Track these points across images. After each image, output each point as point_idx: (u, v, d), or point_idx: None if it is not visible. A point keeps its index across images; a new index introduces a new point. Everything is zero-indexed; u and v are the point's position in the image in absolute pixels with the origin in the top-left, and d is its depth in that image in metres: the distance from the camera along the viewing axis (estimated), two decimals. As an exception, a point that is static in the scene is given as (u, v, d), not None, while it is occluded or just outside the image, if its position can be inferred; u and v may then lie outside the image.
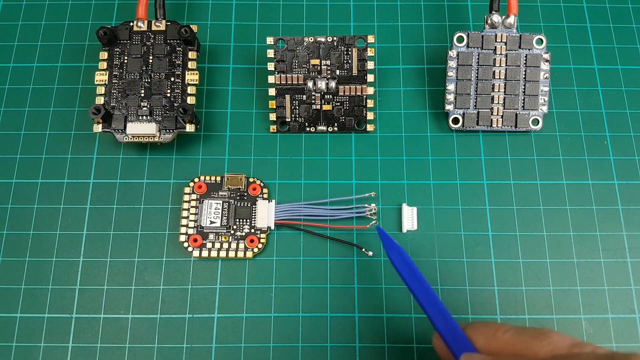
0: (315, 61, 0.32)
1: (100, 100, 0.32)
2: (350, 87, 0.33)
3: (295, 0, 0.37)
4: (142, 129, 0.31)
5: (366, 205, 0.31)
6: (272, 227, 0.31)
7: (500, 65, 0.33)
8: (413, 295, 0.24)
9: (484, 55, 0.33)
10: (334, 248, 0.31)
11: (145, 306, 0.30)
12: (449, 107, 0.33)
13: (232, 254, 0.31)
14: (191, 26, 0.32)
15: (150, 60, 0.32)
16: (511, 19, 0.32)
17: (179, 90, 0.32)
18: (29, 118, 0.34)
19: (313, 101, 0.33)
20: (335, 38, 0.32)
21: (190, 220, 0.31)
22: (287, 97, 0.33)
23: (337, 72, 0.33)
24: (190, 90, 0.32)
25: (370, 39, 0.32)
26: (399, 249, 0.25)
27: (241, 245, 0.31)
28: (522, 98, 0.33)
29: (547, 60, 0.33)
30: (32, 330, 0.30)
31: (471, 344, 0.22)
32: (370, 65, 0.32)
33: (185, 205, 0.31)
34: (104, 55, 0.32)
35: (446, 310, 0.23)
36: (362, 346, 0.29)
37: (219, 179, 0.32)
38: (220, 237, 0.31)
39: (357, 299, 0.30)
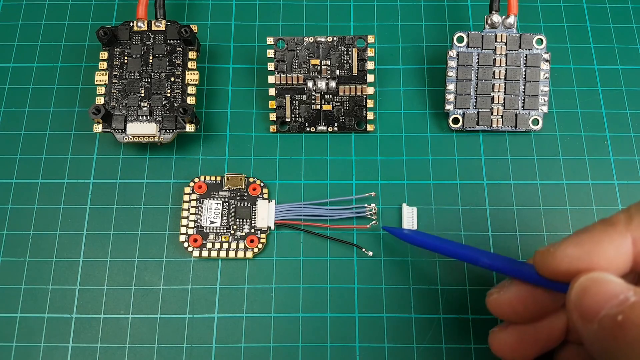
0: (315, 61, 0.32)
1: (100, 100, 0.32)
2: (350, 87, 0.33)
3: (295, 0, 0.37)
4: (142, 129, 0.31)
5: (366, 205, 0.31)
6: (272, 227, 0.31)
7: (500, 65, 0.33)
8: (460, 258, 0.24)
9: (484, 55, 0.33)
10: (334, 248, 0.31)
11: (145, 306, 0.30)
12: (449, 107, 0.33)
13: (232, 254, 0.31)
14: (191, 26, 0.32)
15: (150, 60, 0.32)
16: (511, 19, 0.32)
17: (179, 90, 0.32)
18: (29, 118, 0.34)
19: (313, 101, 0.33)
20: (335, 38, 0.32)
21: (190, 220, 0.31)
22: (287, 97, 0.33)
23: (337, 72, 0.33)
24: (190, 90, 0.32)
25: (370, 39, 0.32)
26: (412, 232, 0.25)
27: (241, 245, 0.31)
28: (522, 98, 0.33)
29: (547, 60, 0.33)
30: (32, 330, 0.30)
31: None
32: (370, 65, 0.32)
33: (185, 205, 0.32)
34: (104, 55, 0.32)
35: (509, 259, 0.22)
36: (362, 346, 0.29)
37: (219, 179, 0.32)
38: (220, 237, 0.31)
39: (357, 299, 0.30)
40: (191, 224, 0.31)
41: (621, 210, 0.18)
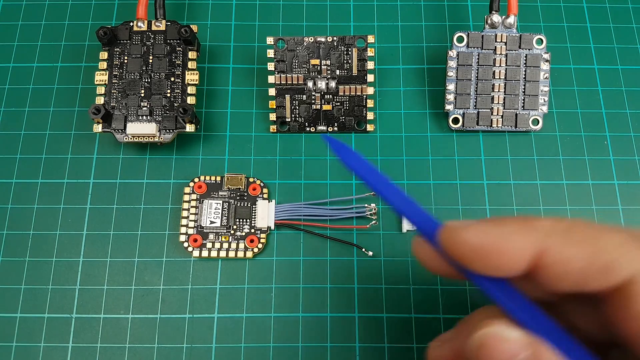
0: (315, 61, 0.32)
1: (100, 100, 0.32)
2: (350, 87, 0.33)
3: (295, 0, 0.37)
4: (142, 129, 0.31)
5: (366, 205, 0.31)
6: (272, 227, 0.31)
7: (500, 65, 0.33)
8: (377, 191, 0.20)
9: (484, 55, 0.33)
10: (334, 248, 0.31)
11: (145, 306, 0.30)
12: (449, 107, 0.33)
13: (232, 254, 0.31)
14: (191, 26, 0.32)
15: (150, 60, 0.32)
16: (511, 19, 0.32)
17: (179, 90, 0.32)
18: (29, 118, 0.34)
19: (313, 101, 0.33)
20: (335, 38, 0.32)
21: (190, 220, 0.31)
22: (287, 97, 0.33)
23: (337, 72, 0.33)
24: (190, 90, 0.32)
25: (370, 39, 0.32)
26: (350, 150, 0.21)
27: (241, 245, 0.31)
28: (522, 98, 0.33)
29: (547, 60, 0.33)
30: (32, 330, 0.30)
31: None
32: (370, 65, 0.32)
33: (185, 205, 0.31)
34: (104, 55, 0.32)
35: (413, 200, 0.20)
36: (362, 346, 0.29)
37: (219, 179, 0.32)
38: (220, 237, 0.31)
39: (357, 299, 0.30)
40: (191, 224, 0.31)
41: (546, 219, 0.17)
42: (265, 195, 0.32)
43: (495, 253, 0.17)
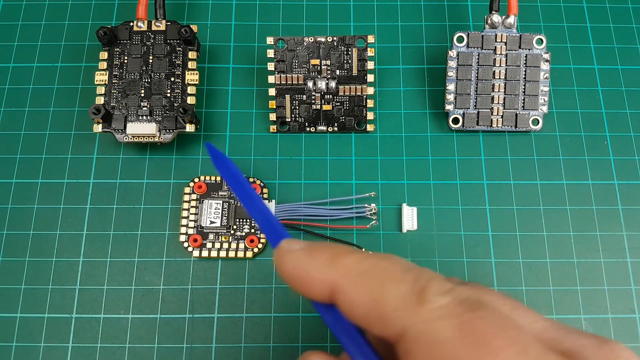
0: (315, 61, 0.32)
1: (100, 100, 0.32)
2: (350, 87, 0.33)
3: (295, 0, 0.37)
4: (142, 129, 0.31)
5: (366, 205, 0.31)
6: (272, 227, 0.31)
7: (500, 65, 0.33)
8: (235, 192, 0.22)
9: (484, 55, 0.33)
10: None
11: (145, 306, 0.30)
12: (449, 107, 0.33)
13: (232, 254, 0.31)
14: (191, 26, 0.32)
15: (150, 60, 0.32)
16: (511, 19, 0.32)
17: (179, 90, 0.32)
18: (29, 118, 0.34)
19: (313, 101, 0.33)
20: (335, 38, 0.32)
21: (190, 220, 0.31)
22: (287, 97, 0.33)
23: (337, 72, 0.33)
24: (190, 90, 0.32)
25: (370, 39, 0.32)
26: (224, 158, 0.22)
27: (241, 245, 0.31)
28: (522, 98, 0.33)
29: (547, 60, 0.33)
30: (32, 330, 0.30)
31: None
32: (370, 65, 0.32)
33: (185, 205, 0.32)
34: (104, 55, 0.32)
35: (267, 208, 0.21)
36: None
37: (219, 179, 0.32)
38: (220, 237, 0.31)
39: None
40: (191, 224, 0.31)
41: (352, 257, 0.18)
42: (265, 195, 0.32)
43: (300, 281, 0.18)
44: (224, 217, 0.31)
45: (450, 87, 0.33)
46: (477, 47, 0.33)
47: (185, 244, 0.31)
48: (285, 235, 0.20)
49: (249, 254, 0.31)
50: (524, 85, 0.33)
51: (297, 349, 0.29)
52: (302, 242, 0.19)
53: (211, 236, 0.31)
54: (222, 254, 0.31)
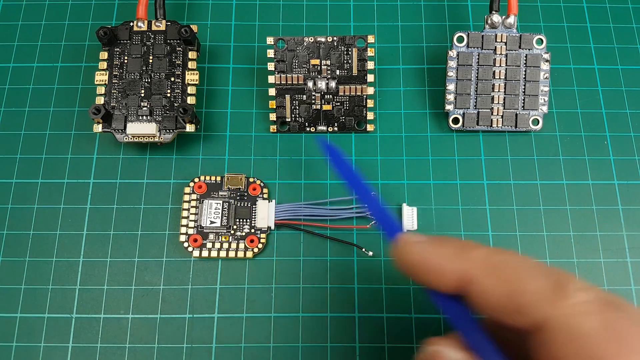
0: (315, 61, 0.32)
1: (100, 100, 0.32)
2: (350, 87, 0.33)
3: (295, 0, 0.37)
4: (142, 129, 0.31)
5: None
6: (272, 227, 0.31)
7: (500, 65, 0.33)
8: (353, 189, 0.23)
9: (484, 55, 0.33)
10: (334, 248, 0.31)
11: (145, 306, 0.30)
12: (449, 107, 0.33)
13: (232, 254, 0.31)
14: (191, 26, 0.32)
15: (150, 60, 0.32)
16: (511, 19, 0.32)
17: (179, 90, 0.32)
18: (29, 118, 0.34)
19: (313, 101, 0.33)
20: (335, 38, 0.32)
21: (190, 220, 0.31)
22: (287, 97, 0.33)
23: (337, 72, 0.33)
24: (190, 90, 0.32)
25: (370, 39, 0.32)
26: (339, 154, 0.24)
27: (241, 245, 0.31)
28: (522, 98, 0.33)
29: (547, 60, 0.33)
30: (32, 330, 0.30)
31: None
32: (370, 65, 0.32)
33: (185, 205, 0.32)
34: (104, 55, 0.32)
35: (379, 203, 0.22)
36: (362, 346, 0.29)
37: (219, 179, 0.32)
38: (220, 237, 0.31)
39: (357, 299, 0.30)
40: (191, 224, 0.31)
41: (482, 250, 0.18)
42: (265, 195, 0.32)
43: (428, 271, 0.19)
44: (224, 217, 0.31)
45: (450, 87, 0.33)
46: (477, 47, 0.33)
47: (185, 244, 0.31)
48: (402, 229, 0.21)
49: (249, 254, 0.31)
50: (524, 85, 0.33)
51: (297, 349, 0.29)
52: (422, 235, 0.20)
53: (211, 236, 0.31)
54: (222, 254, 0.31)
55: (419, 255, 0.19)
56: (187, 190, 0.32)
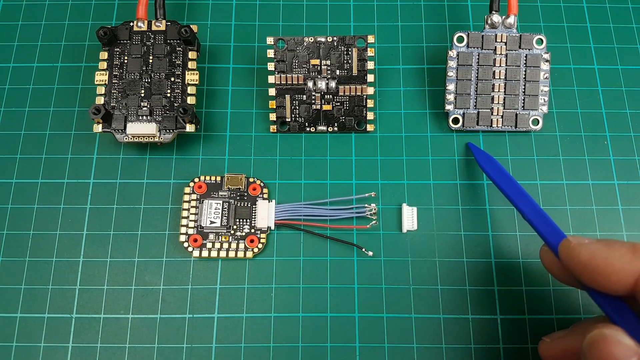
0: (315, 61, 0.32)
1: (100, 100, 0.32)
2: (350, 87, 0.33)
3: (295, 0, 0.37)
4: (142, 129, 0.31)
5: (366, 205, 0.31)
6: (272, 227, 0.31)
7: (500, 65, 0.33)
8: (508, 198, 0.26)
9: (484, 55, 0.33)
10: (334, 248, 0.31)
11: (145, 306, 0.30)
12: (448, 107, 0.33)
13: (232, 254, 0.31)
14: (191, 26, 0.32)
15: (151, 60, 0.32)
16: (511, 19, 0.32)
17: (178, 90, 0.32)
18: (29, 118, 0.34)
19: (313, 101, 0.33)
20: (335, 38, 0.32)
21: (190, 220, 0.31)
22: (287, 97, 0.33)
23: (337, 72, 0.33)
24: (190, 90, 0.32)
25: (370, 39, 0.32)
26: (490, 158, 0.27)
27: (241, 245, 0.31)
28: (522, 98, 0.33)
29: (547, 60, 0.33)
30: (32, 330, 0.30)
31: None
32: (370, 65, 0.32)
33: (185, 205, 0.31)
34: (104, 55, 0.32)
35: (541, 209, 0.25)
36: (362, 346, 0.29)
37: (219, 179, 0.32)
38: (220, 237, 0.31)
39: (357, 299, 0.30)
40: (191, 224, 0.31)
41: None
42: (265, 195, 0.32)
43: (600, 272, 0.19)
44: (224, 217, 0.31)
45: (450, 87, 0.33)
46: (477, 47, 0.33)
47: (185, 244, 0.31)
48: (562, 232, 0.22)
49: (249, 254, 0.31)
50: (524, 85, 0.33)
51: (297, 349, 0.29)
52: (583, 238, 0.21)
53: (211, 236, 0.31)
54: (222, 254, 0.31)
55: (589, 255, 0.19)
56: (187, 190, 0.32)
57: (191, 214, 0.31)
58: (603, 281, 0.19)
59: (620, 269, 0.19)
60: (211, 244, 0.31)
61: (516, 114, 0.33)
